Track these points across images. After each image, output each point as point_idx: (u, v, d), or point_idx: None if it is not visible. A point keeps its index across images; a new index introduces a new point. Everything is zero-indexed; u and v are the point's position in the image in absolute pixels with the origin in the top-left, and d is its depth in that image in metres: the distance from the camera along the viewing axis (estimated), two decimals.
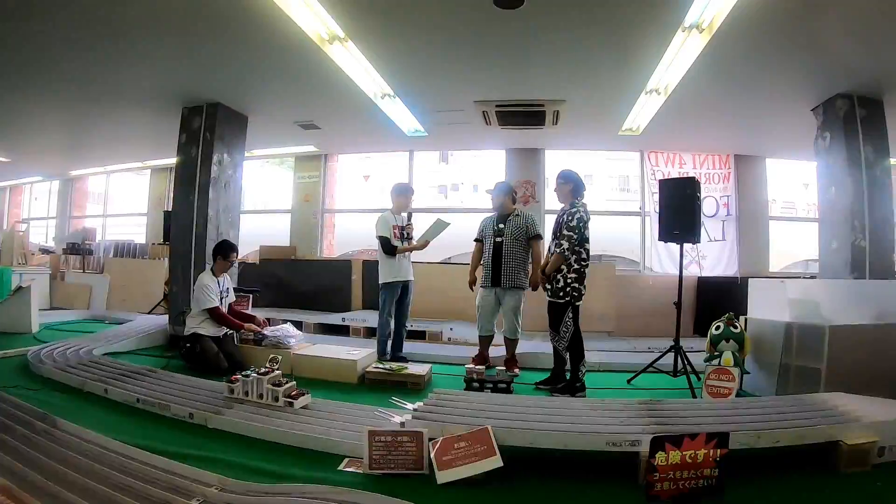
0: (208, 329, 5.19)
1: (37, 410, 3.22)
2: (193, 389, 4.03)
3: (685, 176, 7.57)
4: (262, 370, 3.83)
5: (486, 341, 5.56)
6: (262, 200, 12.02)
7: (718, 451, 2.54)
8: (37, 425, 2.96)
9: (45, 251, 12.00)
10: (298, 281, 9.11)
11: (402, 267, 5.62)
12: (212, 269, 5.41)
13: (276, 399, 3.66)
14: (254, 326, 5.41)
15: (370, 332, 7.30)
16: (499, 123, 6.99)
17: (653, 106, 6.17)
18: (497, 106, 6.42)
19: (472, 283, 5.51)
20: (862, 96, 5.53)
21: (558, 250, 4.53)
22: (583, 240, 4.50)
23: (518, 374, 5.27)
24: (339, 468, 2.86)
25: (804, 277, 5.94)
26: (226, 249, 5.44)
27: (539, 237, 5.33)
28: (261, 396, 3.71)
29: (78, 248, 10.50)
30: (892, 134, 5.62)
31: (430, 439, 2.85)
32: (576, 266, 4.50)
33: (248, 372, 3.81)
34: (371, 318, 7.49)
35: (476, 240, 5.59)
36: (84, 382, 4.21)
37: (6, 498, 2.10)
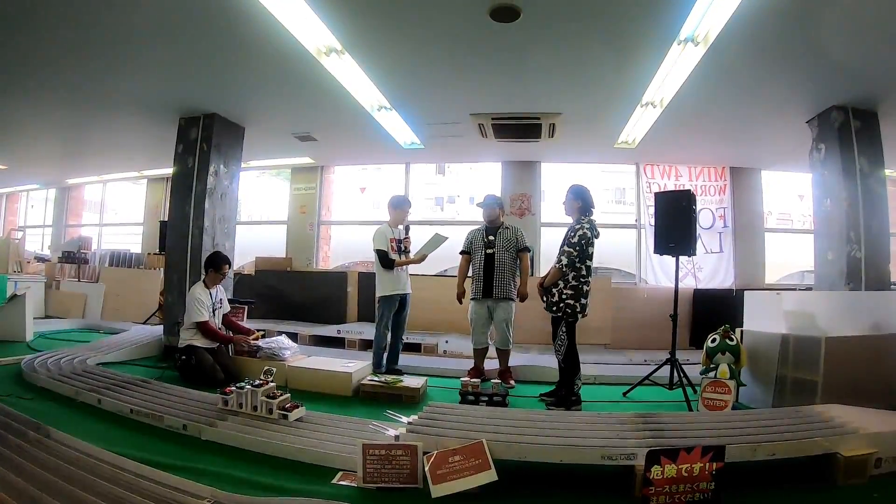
0: (203, 341, 5.16)
1: (30, 420, 3.19)
2: (187, 401, 4.00)
3: (681, 189, 7.62)
4: (257, 382, 3.79)
5: (480, 354, 5.56)
6: (258, 211, 12.02)
7: (714, 464, 2.53)
8: (30, 435, 2.93)
9: (40, 259, 11.96)
10: (294, 292, 9.09)
11: (399, 280, 5.61)
12: (204, 282, 5.38)
13: (270, 411, 3.63)
14: (245, 338, 5.39)
15: (365, 345, 7.27)
16: (495, 136, 7.02)
17: (648, 119, 6.20)
18: (493, 119, 6.46)
19: (462, 295, 5.51)
20: (856, 108, 5.56)
21: (557, 265, 4.53)
22: (584, 256, 4.47)
23: (513, 386, 5.28)
24: (332, 481, 2.84)
25: (800, 289, 5.95)
26: (218, 262, 5.40)
27: (527, 250, 5.45)
28: (255, 408, 3.67)
29: (73, 257, 10.47)
30: (887, 145, 5.65)
31: (424, 453, 2.83)
32: (573, 283, 4.48)
33: (243, 384, 3.78)
34: (366, 331, 7.49)
35: (462, 252, 5.60)
36: (77, 392, 4.18)
37: None
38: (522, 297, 5.33)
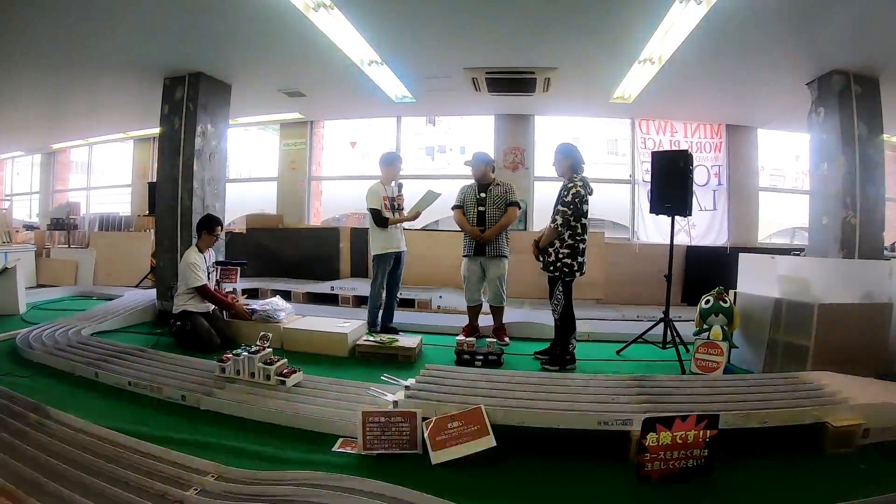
0: (197, 306, 5.11)
1: (29, 401, 3.17)
2: (184, 369, 3.99)
3: (678, 149, 7.55)
4: (254, 348, 3.80)
5: (474, 311, 5.60)
6: (247, 168, 11.83)
7: (708, 432, 2.57)
8: (30, 417, 2.91)
9: (29, 227, 11.77)
10: (286, 250, 9.06)
11: (394, 238, 5.59)
12: (197, 245, 5.29)
13: (268, 377, 3.65)
14: (243, 307, 5.37)
15: (359, 301, 7.32)
16: (488, 90, 6.89)
17: (646, 75, 6.09)
18: (487, 73, 6.32)
19: (480, 233, 5.29)
20: (858, 74, 5.48)
21: (552, 225, 4.51)
22: (579, 214, 4.44)
23: (508, 343, 5.35)
24: (333, 449, 2.88)
25: (793, 251, 5.96)
26: (211, 224, 5.31)
27: (515, 205, 5.39)
28: (252, 375, 3.69)
29: (62, 223, 10.28)
30: (887, 113, 5.58)
31: (423, 419, 2.86)
32: (569, 241, 4.46)
33: (239, 350, 3.79)
34: (360, 287, 7.52)
35: (455, 207, 5.54)
36: (74, 366, 4.12)
37: (4, 499, 2.09)
38: (484, 238, 5.25)
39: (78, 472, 2.29)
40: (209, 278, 5.27)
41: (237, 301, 5.41)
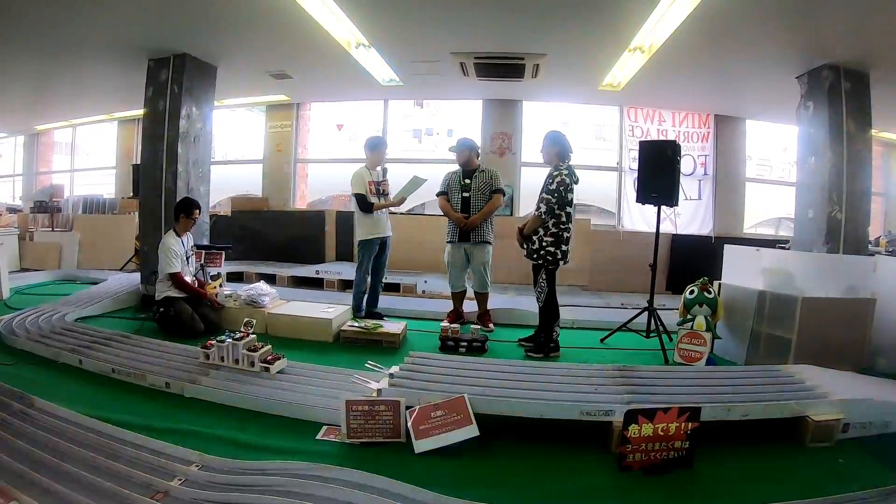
0: (179, 291, 5.04)
1: (13, 390, 3.12)
2: (168, 355, 3.96)
3: (666, 138, 7.56)
4: (238, 335, 3.78)
5: (458, 297, 5.61)
6: (232, 149, 11.67)
7: (690, 424, 2.60)
8: (14, 406, 2.87)
9: (12, 210, 11.55)
10: (271, 233, 8.99)
11: (379, 223, 5.55)
12: (174, 230, 5.19)
13: (252, 364, 3.63)
14: (214, 297, 5.28)
15: (344, 285, 7.30)
16: (476, 75, 6.82)
17: (636, 63, 6.06)
18: (476, 58, 6.26)
19: (464, 219, 5.28)
20: (848, 69, 5.47)
21: (536, 213, 4.50)
22: (563, 203, 4.43)
23: (492, 329, 5.36)
24: (317, 437, 2.88)
25: (778, 244, 5.99)
26: (189, 207, 5.22)
27: (500, 192, 5.36)
28: (236, 362, 3.68)
29: (46, 206, 10.08)
30: (876, 107, 5.59)
31: (407, 408, 2.87)
32: (553, 230, 4.45)
33: (223, 337, 3.76)
34: (345, 270, 7.49)
35: (439, 193, 5.51)
36: (58, 353, 4.05)
37: None
38: (468, 224, 5.24)
39: (62, 463, 2.27)
40: (188, 262, 5.20)
41: (205, 286, 5.33)
